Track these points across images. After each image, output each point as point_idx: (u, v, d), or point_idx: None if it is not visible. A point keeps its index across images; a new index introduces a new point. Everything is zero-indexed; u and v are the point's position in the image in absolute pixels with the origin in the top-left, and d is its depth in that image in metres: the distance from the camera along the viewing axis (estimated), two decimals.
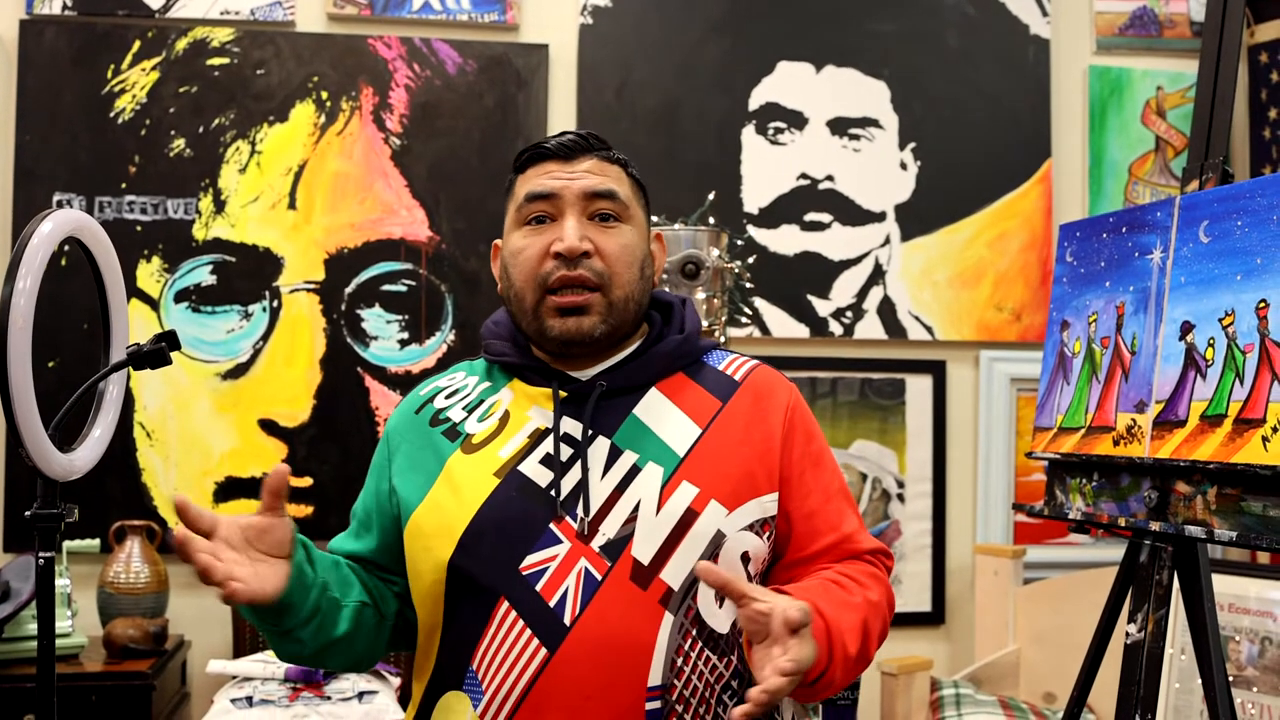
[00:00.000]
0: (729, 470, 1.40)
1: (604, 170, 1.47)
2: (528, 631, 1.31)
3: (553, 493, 1.37)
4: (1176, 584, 1.73)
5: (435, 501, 1.40)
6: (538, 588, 1.32)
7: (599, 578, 1.32)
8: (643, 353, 1.48)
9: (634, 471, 1.38)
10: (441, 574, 1.37)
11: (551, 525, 1.35)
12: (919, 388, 3.53)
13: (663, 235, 1.60)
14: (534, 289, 1.44)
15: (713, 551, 1.36)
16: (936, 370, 3.54)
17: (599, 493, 1.37)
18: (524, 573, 1.33)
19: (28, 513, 1.68)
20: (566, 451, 1.40)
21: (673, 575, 1.33)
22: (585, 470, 1.38)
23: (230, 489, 3.16)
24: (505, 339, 1.52)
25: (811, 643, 1.24)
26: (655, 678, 1.30)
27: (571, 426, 1.42)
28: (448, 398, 1.51)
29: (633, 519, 1.35)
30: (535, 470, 1.39)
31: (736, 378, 1.50)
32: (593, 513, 1.36)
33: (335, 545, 1.54)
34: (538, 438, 1.42)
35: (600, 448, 1.40)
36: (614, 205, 1.46)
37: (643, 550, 1.34)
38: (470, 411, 1.48)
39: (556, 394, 1.44)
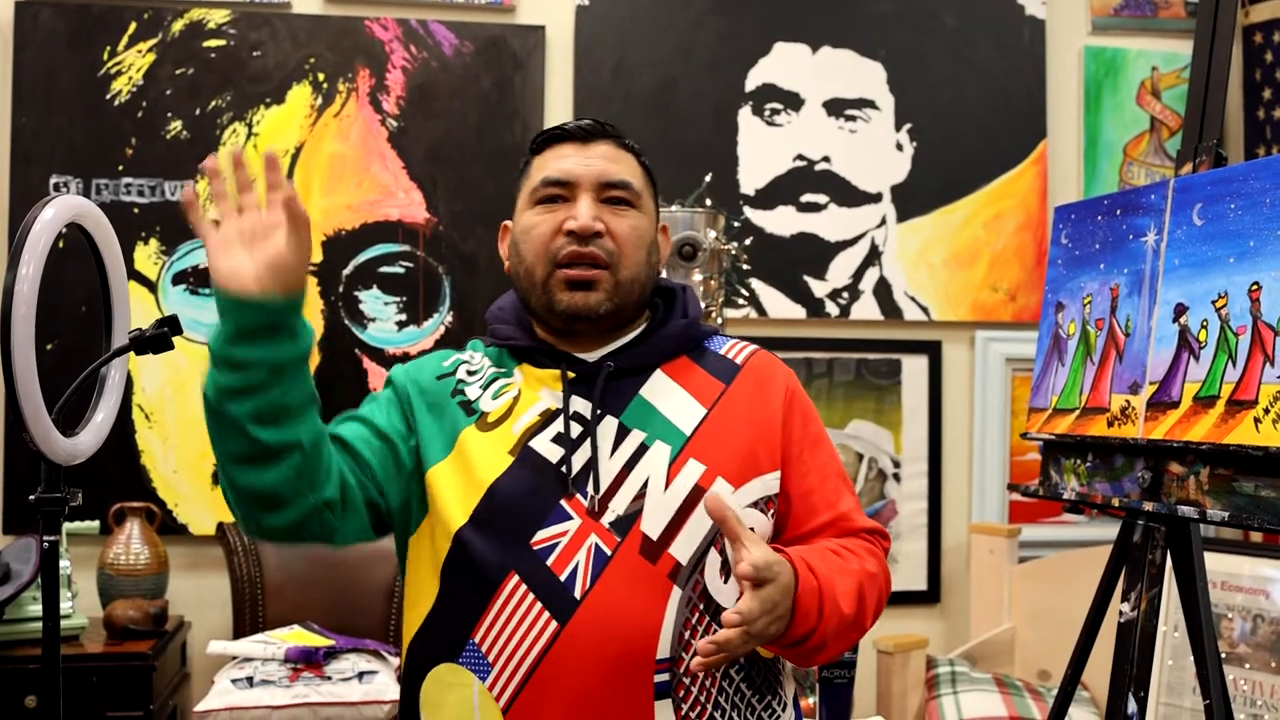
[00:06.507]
0: (734, 449, 1.43)
1: (619, 158, 1.49)
2: (538, 605, 1.33)
3: (563, 469, 1.40)
4: (1170, 563, 1.75)
5: (449, 472, 1.42)
6: (548, 562, 1.35)
7: (609, 553, 1.35)
8: (647, 336, 1.51)
9: (642, 449, 1.41)
10: (448, 543, 1.38)
11: (562, 502, 1.38)
12: (915, 368, 3.54)
13: (668, 227, 1.62)
14: (545, 264, 1.46)
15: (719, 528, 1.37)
16: (932, 350, 3.55)
17: (608, 470, 1.40)
18: (535, 548, 1.36)
19: (32, 497, 1.69)
20: (576, 430, 1.42)
21: (681, 550, 1.36)
22: (595, 448, 1.40)
23: None
24: (511, 323, 1.54)
25: (765, 597, 1.24)
26: (663, 650, 1.33)
27: (581, 406, 1.44)
28: (469, 374, 1.52)
29: (641, 495, 1.38)
30: (547, 448, 1.41)
31: (738, 361, 1.53)
32: (603, 490, 1.38)
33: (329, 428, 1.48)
34: (549, 417, 1.44)
35: (609, 426, 1.43)
36: (627, 194, 1.48)
37: (651, 526, 1.36)
38: (485, 389, 1.49)
39: (565, 374, 1.46)
